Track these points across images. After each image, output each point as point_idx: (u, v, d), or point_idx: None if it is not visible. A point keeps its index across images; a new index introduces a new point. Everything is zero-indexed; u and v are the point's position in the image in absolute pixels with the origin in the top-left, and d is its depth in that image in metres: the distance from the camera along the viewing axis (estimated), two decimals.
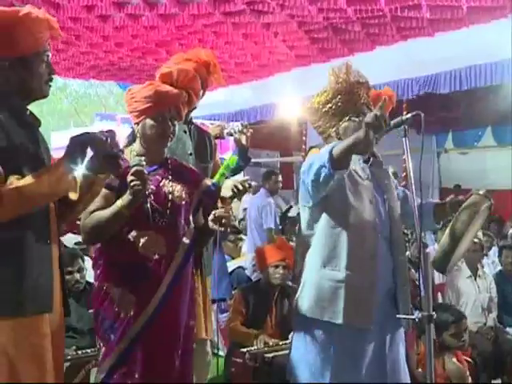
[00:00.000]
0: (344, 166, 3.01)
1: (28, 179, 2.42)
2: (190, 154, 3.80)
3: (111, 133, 2.64)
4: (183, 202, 3.19)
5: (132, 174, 2.84)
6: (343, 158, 2.95)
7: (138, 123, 3.19)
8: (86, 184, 2.66)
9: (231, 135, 4.41)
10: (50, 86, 2.70)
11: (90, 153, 2.56)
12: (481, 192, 3.22)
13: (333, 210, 3.24)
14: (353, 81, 3.31)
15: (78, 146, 2.55)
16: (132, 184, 2.83)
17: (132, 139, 3.31)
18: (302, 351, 3.36)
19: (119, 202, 2.90)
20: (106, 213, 2.93)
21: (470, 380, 4.82)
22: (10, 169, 2.44)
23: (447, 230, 3.17)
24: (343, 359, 3.22)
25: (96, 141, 2.56)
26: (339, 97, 3.30)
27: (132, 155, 3.16)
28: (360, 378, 3.22)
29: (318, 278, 3.30)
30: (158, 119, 3.12)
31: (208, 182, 3.33)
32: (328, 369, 3.23)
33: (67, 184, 2.53)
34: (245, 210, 9.65)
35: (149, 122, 3.14)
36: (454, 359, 4.81)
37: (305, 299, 3.36)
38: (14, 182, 2.40)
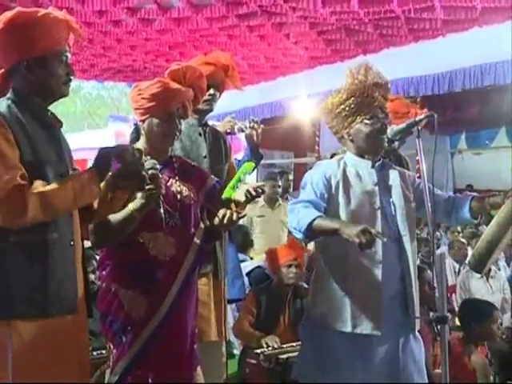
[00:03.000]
0: (317, 238, 3.21)
1: (53, 185, 2.44)
2: (205, 157, 3.79)
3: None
4: (192, 202, 3.17)
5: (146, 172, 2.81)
6: (318, 235, 3.13)
7: (143, 121, 3.14)
8: (106, 192, 2.67)
9: (242, 131, 4.40)
10: (69, 86, 2.70)
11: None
12: None
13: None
14: (369, 83, 3.29)
15: (105, 157, 2.58)
16: (147, 188, 2.77)
17: (136, 137, 3.28)
18: (312, 354, 3.38)
19: (131, 206, 2.85)
20: (117, 216, 2.88)
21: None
22: (33, 171, 2.45)
23: (484, 233, 3.11)
24: (354, 364, 3.22)
25: (125, 154, 2.59)
26: (352, 99, 3.28)
27: None
28: (371, 381, 3.21)
29: (324, 287, 3.32)
30: (165, 117, 3.09)
31: (213, 179, 3.32)
32: (339, 374, 3.23)
33: (91, 193, 2.54)
34: None
35: (155, 120, 3.09)
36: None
37: (313, 309, 3.42)
38: (39, 187, 2.41)
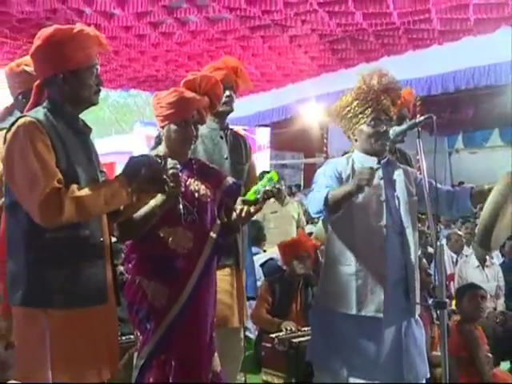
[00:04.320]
0: (339, 209, 3.13)
1: (87, 190, 2.45)
2: (226, 158, 3.78)
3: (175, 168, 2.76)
4: (209, 200, 3.15)
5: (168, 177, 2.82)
6: (338, 205, 3.08)
7: (163, 127, 3.14)
8: (132, 195, 2.68)
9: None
10: (99, 95, 2.72)
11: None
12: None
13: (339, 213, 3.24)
14: (377, 87, 3.29)
15: (134, 165, 2.59)
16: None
17: (158, 142, 3.28)
18: (321, 336, 3.39)
19: (153, 202, 2.85)
20: (140, 212, 2.89)
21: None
22: (66, 174, 2.47)
23: (482, 214, 3.10)
24: (360, 346, 3.23)
25: (151, 164, 2.60)
26: (357, 101, 3.28)
27: None
28: (376, 361, 3.22)
29: (332, 274, 3.33)
30: (182, 124, 3.07)
31: (230, 180, 3.30)
32: (345, 352, 3.26)
33: (121, 198, 2.55)
34: None
35: (173, 126, 3.08)
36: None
37: (321, 293, 3.45)
38: (75, 191, 2.42)
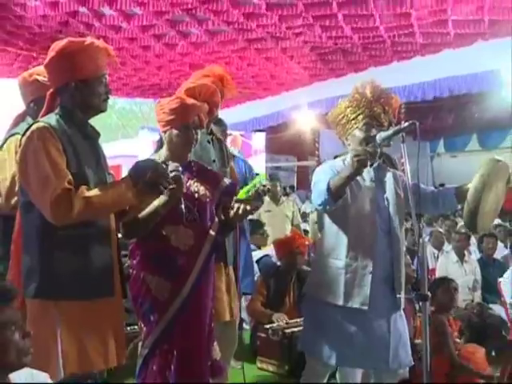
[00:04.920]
0: (342, 195, 3.09)
1: (95, 191, 2.45)
2: (214, 161, 3.77)
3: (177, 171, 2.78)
4: (208, 200, 3.15)
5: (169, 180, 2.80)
6: (341, 190, 3.04)
7: (165, 131, 3.13)
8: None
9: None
10: (107, 102, 2.72)
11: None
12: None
13: (333, 210, 3.22)
14: (369, 96, 3.29)
15: (140, 169, 2.59)
16: (170, 187, 2.73)
17: (160, 145, 3.28)
18: (311, 327, 3.40)
19: (156, 203, 2.85)
20: (144, 212, 2.89)
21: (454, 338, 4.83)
22: (77, 175, 2.47)
23: (466, 200, 3.13)
24: (348, 335, 3.22)
25: (157, 168, 2.59)
26: (350, 109, 3.29)
27: (160, 160, 3.10)
28: (363, 351, 3.21)
29: (322, 266, 3.34)
30: (183, 129, 3.06)
31: (226, 181, 3.31)
32: (334, 341, 3.25)
33: (127, 200, 2.54)
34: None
35: (174, 131, 3.07)
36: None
37: (312, 284, 3.45)
38: (85, 192, 2.42)
